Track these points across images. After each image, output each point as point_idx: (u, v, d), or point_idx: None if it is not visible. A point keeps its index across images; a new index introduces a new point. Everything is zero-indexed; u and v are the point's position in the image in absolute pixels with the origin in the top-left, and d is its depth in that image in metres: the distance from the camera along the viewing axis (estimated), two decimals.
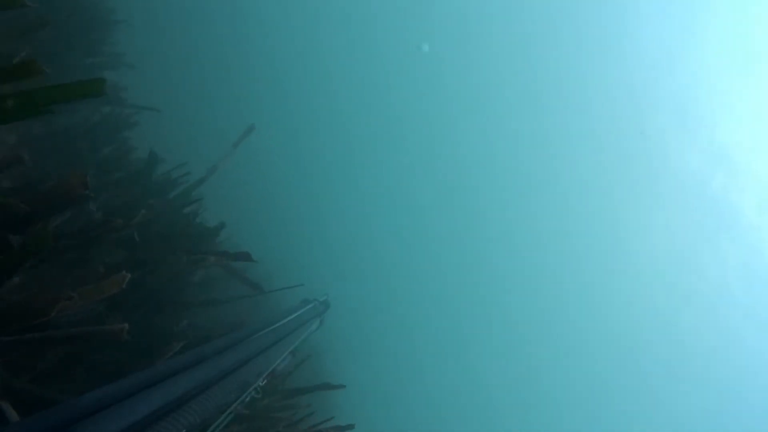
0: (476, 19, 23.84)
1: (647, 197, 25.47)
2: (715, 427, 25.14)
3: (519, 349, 24.79)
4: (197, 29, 17.64)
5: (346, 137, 23.91)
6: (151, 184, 4.60)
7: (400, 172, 25.16)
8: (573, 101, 24.86)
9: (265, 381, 2.18)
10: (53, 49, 4.73)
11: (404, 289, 23.33)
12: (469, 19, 23.91)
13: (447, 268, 24.96)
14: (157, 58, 12.35)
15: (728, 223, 24.71)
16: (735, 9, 21.71)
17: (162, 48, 13.92)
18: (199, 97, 16.49)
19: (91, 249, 2.79)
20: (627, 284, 25.94)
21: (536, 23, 23.75)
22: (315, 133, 22.54)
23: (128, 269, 3.06)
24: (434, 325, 23.58)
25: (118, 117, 5.53)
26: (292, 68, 22.41)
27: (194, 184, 4.94)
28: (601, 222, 25.72)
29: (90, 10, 5.72)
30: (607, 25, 23.63)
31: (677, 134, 24.57)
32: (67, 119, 5.03)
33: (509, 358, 24.48)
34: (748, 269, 24.62)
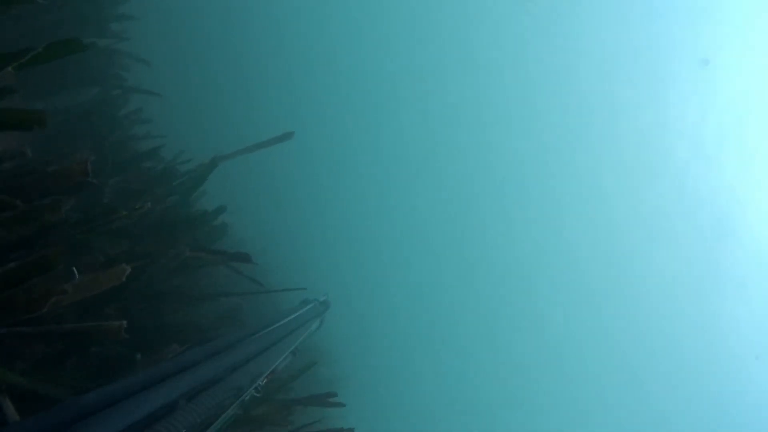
0: (480, 20, 23.79)
1: (646, 200, 25.42)
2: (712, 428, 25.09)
3: (520, 352, 24.72)
4: (207, 19, 17.35)
5: (352, 136, 23.79)
6: (156, 172, 4.57)
7: (404, 173, 25.09)
8: (573, 105, 24.81)
9: (266, 380, 2.18)
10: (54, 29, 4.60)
11: (404, 290, 23.28)
12: (474, 22, 23.88)
13: (448, 270, 24.89)
14: (166, 45, 12.15)
15: (730, 224, 24.71)
16: None
17: (171, 35, 13.69)
18: (205, 85, 16.18)
19: (92, 237, 2.76)
20: (624, 285, 25.87)
21: (545, 27, 23.68)
22: (322, 130, 22.37)
23: (130, 260, 3.05)
24: (435, 326, 23.51)
25: (120, 100, 5.43)
26: (300, 67, 22.23)
27: (200, 171, 4.81)
28: (598, 223, 25.65)
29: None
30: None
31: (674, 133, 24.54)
32: (71, 100, 4.94)
33: (509, 360, 24.42)
34: (749, 272, 24.62)
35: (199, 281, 4.38)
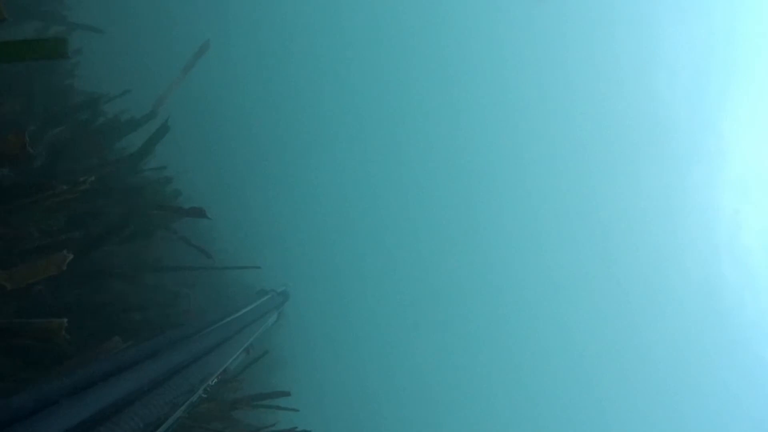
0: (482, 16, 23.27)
1: (648, 199, 25.44)
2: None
3: (508, 350, 24.07)
4: None
5: (333, 111, 22.39)
6: (97, 125, 4.25)
7: (386, 159, 23.96)
8: (572, 100, 24.39)
9: (216, 381, 2.07)
10: None
11: (378, 283, 22.21)
12: (473, 16, 23.32)
13: (429, 261, 23.96)
14: None
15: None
16: None
17: None
18: (154, 20, 14.54)
19: (28, 211, 2.54)
20: (622, 286, 25.80)
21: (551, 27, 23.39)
22: (297, 95, 20.88)
23: (70, 230, 2.82)
24: (412, 323, 22.51)
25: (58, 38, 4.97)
26: (279, 45, 20.78)
27: (142, 121, 4.46)
28: (598, 221, 25.38)
29: None
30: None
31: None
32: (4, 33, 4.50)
33: (496, 359, 23.80)
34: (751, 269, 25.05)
35: (145, 258, 4.15)
